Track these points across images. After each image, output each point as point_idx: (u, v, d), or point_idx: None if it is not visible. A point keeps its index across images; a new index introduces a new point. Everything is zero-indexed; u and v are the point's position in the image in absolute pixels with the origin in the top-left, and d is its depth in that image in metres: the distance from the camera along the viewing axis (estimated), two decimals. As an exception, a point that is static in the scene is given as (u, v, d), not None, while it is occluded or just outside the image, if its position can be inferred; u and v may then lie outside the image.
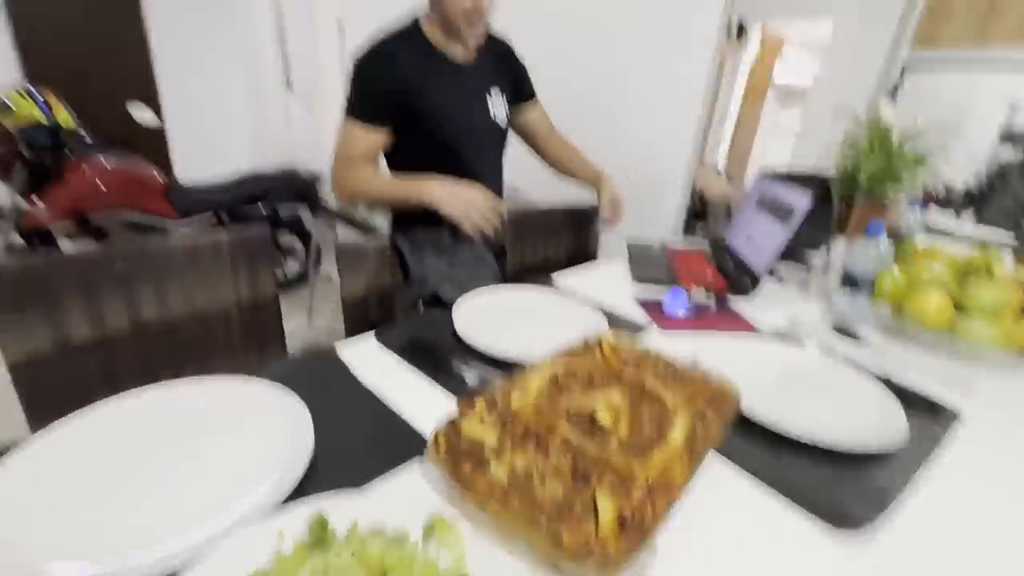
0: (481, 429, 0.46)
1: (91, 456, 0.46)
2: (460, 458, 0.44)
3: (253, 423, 0.51)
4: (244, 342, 1.00)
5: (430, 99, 1.03)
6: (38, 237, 2.37)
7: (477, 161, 1.13)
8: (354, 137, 1.03)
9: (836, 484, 0.52)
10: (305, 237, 2.84)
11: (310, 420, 0.51)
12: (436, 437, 0.46)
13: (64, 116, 2.27)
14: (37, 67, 3.14)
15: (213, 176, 2.60)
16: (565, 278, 1.06)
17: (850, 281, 0.88)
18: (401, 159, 1.11)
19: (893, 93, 1.84)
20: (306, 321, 2.66)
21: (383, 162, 1.13)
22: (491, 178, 1.18)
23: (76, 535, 0.38)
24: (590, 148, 1.67)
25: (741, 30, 1.40)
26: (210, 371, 0.65)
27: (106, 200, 2.27)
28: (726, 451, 0.56)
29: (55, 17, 3.16)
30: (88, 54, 3.30)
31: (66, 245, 2.47)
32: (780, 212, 1.02)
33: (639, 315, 0.90)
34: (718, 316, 0.91)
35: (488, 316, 0.81)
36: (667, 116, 1.47)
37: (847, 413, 0.63)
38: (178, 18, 3.60)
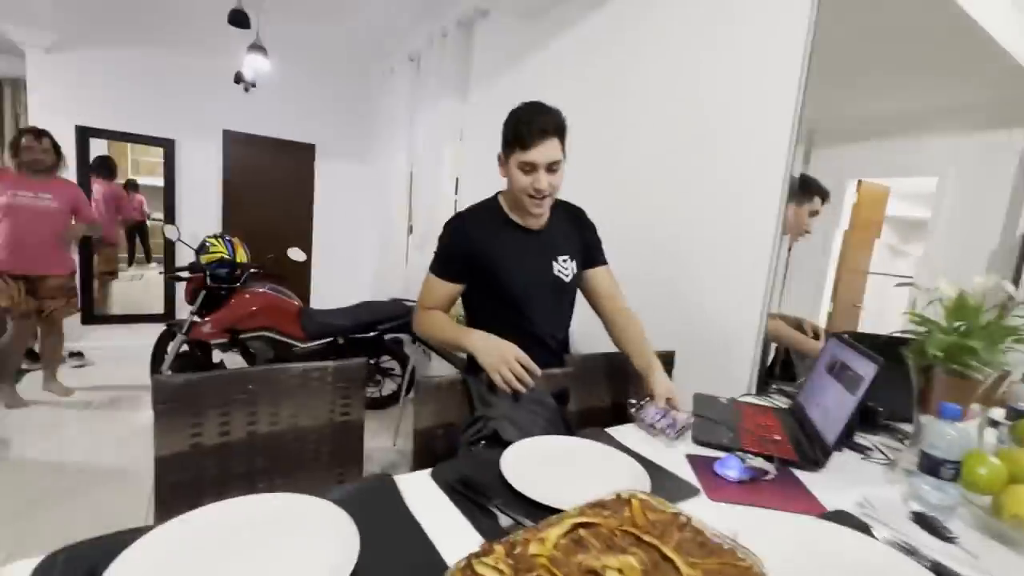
0: (493, 573, 0.52)
1: (193, 549, 0.58)
2: (469, 595, 0.49)
3: (310, 538, 0.61)
4: (329, 459, 1.14)
5: (498, 259, 1.22)
6: (198, 346, 2.91)
7: (539, 315, 1.27)
8: (432, 288, 1.25)
9: None
10: (404, 360, 3.13)
11: (357, 542, 0.60)
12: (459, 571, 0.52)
13: (241, 254, 2.91)
14: (231, 219, 4.13)
15: (336, 305, 3.07)
16: (625, 429, 1.09)
17: (929, 464, 0.81)
18: (475, 307, 1.31)
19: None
20: (391, 441, 2.81)
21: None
22: (554, 330, 1.32)
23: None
24: (660, 297, 1.76)
25: (805, 183, 1.48)
26: (297, 481, 0.76)
27: (255, 321, 2.77)
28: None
29: (252, 185, 4.21)
30: (269, 210, 4.29)
31: (217, 354, 2.98)
32: (849, 379, 0.99)
33: (690, 475, 0.89)
34: (779, 488, 0.87)
35: (535, 461, 0.86)
36: (738, 265, 1.53)
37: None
38: (337, 176, 4.58)
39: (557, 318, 1.34)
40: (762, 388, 1.44)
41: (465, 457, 1.04)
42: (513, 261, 1.24)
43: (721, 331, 1.57)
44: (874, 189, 3.58)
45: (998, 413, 1.17)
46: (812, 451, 0.99)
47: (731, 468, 0.88)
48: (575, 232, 1.36)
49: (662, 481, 0.85)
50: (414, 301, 3.29)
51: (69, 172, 3.65)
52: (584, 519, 0.63)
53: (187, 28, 3.68)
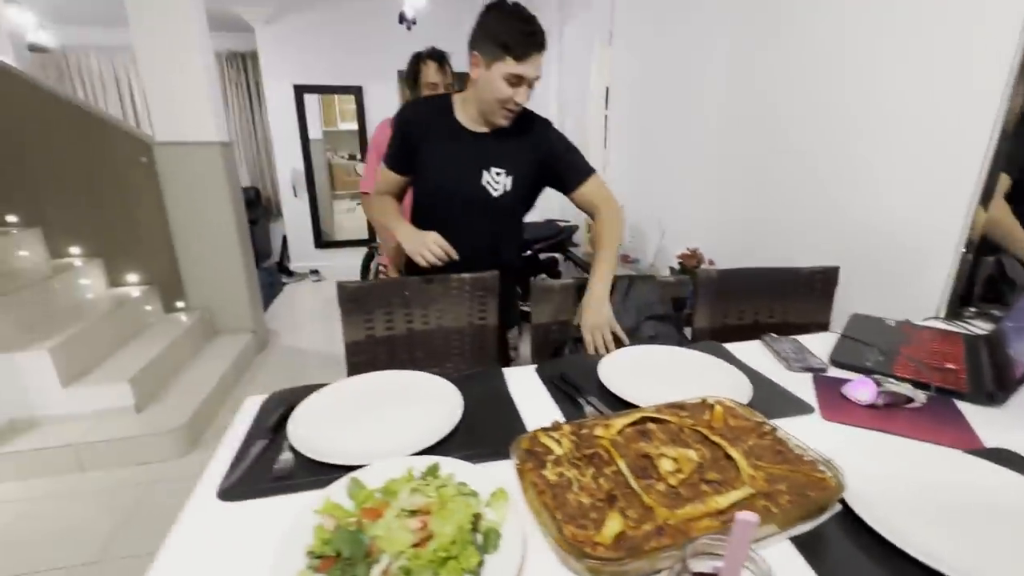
0: (552, 442, 0.60)
1: (349, 400, 0.80)
2: (527, 456, 0.59)
3: (430, 402, 0.78)
4: (470, 354, 1.34)
5: (427, 157, 1.22)
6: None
7: (457, 225, 1.21)
8: (384, 175, 1.30)
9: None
10: (556, 277, 3.29)
11: (461, 410, 0.74)
12: (520, 439, 0.62)
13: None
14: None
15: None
16: (747, 346, 1.04)
17: None
18: (413, 204, 1.33)
19: None
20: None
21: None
22: (475, 245, 1.23)
23: (337, 436, 0.70)
24: (814, 210, 1.52)
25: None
26: (444, 369, 0.96)
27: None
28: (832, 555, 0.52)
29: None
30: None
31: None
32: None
33: (807, 394, 0.83)
34: (924, 418, 0.75)
35: (636, 366, 0.90)
36: (929, 157, 1.20)
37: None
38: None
39: (480, 234, 1.26)
40: (955, 311, 1.16)
41: (571, 358, 1.12)
42: (438, 160, 1.21)
43: (900, 243, 1.28)
44: None
45: None
46: (993, 384, 0.81)
47: (861, 391, 0.79)
48: (526, 146, 1.22)
49: (769, 395, 0.81)
50: (566, 221, 3.36)
51: (292, 125, 4.52)
52: (657, 415, 0.67)
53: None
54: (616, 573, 0.45)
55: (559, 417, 0.77)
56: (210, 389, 2.36)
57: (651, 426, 0.65)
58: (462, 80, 2.08)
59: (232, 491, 0.60)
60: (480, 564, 0.47)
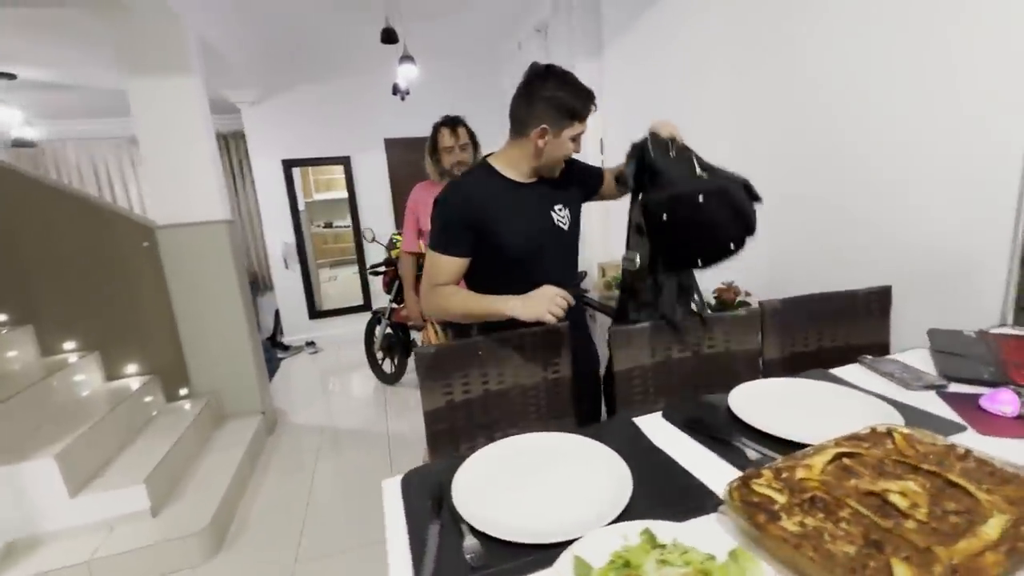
0: (769, 490, 0.57)
1: (508, 468, 0.74)
2: (754, 509, 0.55)
3: (589, 469, 0.73)
4: (547, 410, 1.29)
5: (500, 218, 1.19)
6: (400, 328, 3.40)
7: (546, 264, 1.25)
8: (440, 266, 1.20)
9: None
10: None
11: (625, 466, 0.70)
12: (731, 491, 0.58)
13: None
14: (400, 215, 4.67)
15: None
16: (850, 369, 1.04)
17: None
18: (478, 275, 1.25)
19: None
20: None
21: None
22: (562, 280, 1.22)
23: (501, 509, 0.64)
24: (864, 236, 1.58)
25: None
26: (524, 430, 0.91)
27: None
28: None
29: (415, 180, 4.70)
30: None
31: (414, 334, 3.46)
32: None
33: (946, 413, 0.82)
34: (1073, 422, 0.76)
35: (764, 401, 0.88)
36: (978, 171, 1.28)
37: None
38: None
39: (563, 268, 1.33)
40: (1021, 317, 1.21)
41: (687, 400, 1.09)
42: (514, 215, 1.21)
43: (952, 258, 1.34)
44: None
45: None
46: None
47: (1005, 403, 0.79)
48: (565, 180, 1.30)
49: (915, 418, 0.80)
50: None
51: (281, 199, 4.51)
52: (845, 449, 0.64)
53: (348, 57, 4.18)
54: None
55: (722, 464, 0.73)
56: (228, 481, 2.18)
57: (847, 461, 0.63)
58: (472, 139, 2.22)
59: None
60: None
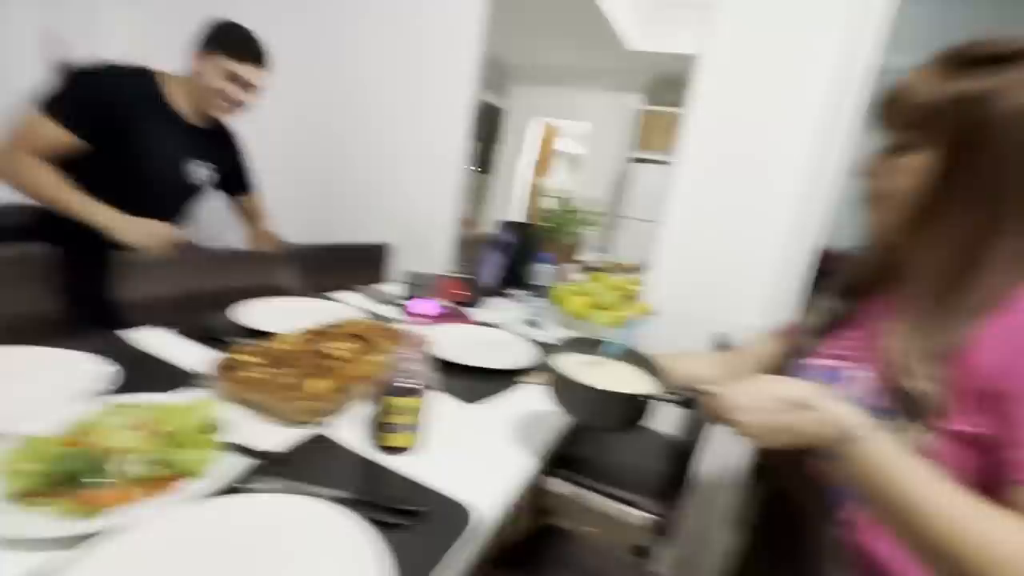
0: (249, 357, 0.73)
1: None
2: (228, 370, 0.69)
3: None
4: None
5: (139, 133, 1.13)
6: None
7: (162, 208, 1.25)
8: (36, 129, 1.04)
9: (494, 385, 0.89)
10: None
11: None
12: (219, 364, 0.70)
13: None
14: None
15: None
16: (346, 295, 1.36)
17: (535, 289, 1.36)
18: (90, 184, 1.10)
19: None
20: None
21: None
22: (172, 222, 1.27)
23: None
24: (365, 186, 2.02)
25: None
26: None
27: None
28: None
29: None
30: None
31: None
32: (501, 247, 1.49)
33: (398, 315, 1.24)
34: (453, 315, 1.31)
35: (272, 314, 1.05)
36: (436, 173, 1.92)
37: (515, 358, 1.03)
38: None
39: (175, 220, 1.32)
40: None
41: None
42: (154, 142, 1.17)
43: (425, 221, 1.95)
44: (551, 127, 4.61)
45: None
46: (474, 295, 1.47)
47: (426, 308, 1.26)
48: (226, 149, 1.40)
49: (379, 317, 1.16)
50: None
51: None
52: (316, 329, 0.89)
53: None
54: (328, 408, 0.67)
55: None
56: None
57: (316, 337, 0.87)
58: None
59: None
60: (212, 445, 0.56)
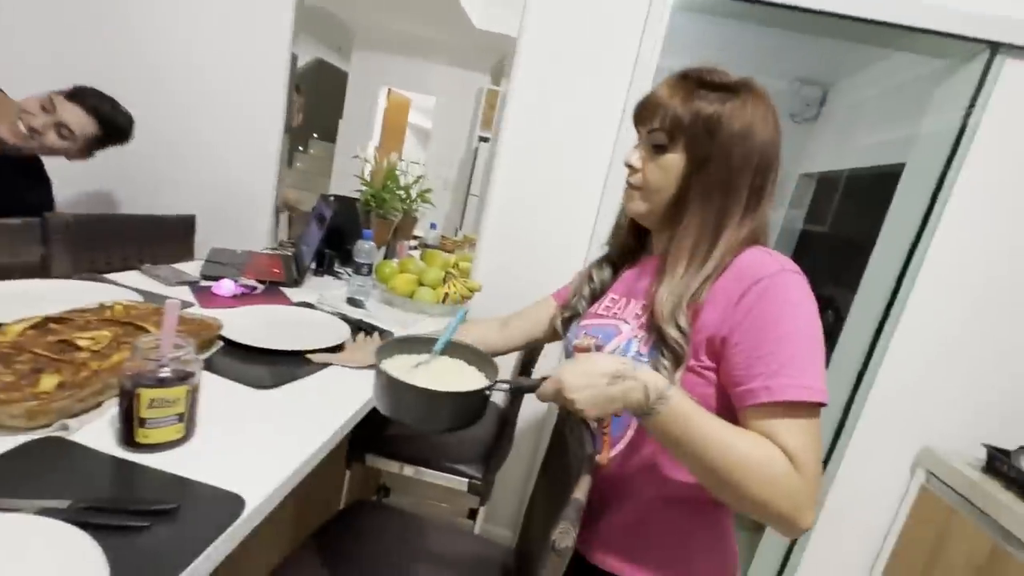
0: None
1: None
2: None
3: None
4: None
5: None
6: None
7: None
8: None
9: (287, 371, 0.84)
10: None
11: None
12: None
13: None
14: None
15: None
16: (128, 275, 1.16)
17: (357, 267, 1.30)
18: None
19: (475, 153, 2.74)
20: None
21: None
22: None
23: None
24: (181, 161, 1.76)
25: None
26: None
27: None
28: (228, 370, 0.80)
29: None
30: None
31: None
32: (320, 221, 1.40)
33: (188, 297, 1.09)
34: (265, 296, 1.20)
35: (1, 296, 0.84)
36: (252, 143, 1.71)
37: (324, 337, 0.98)
38: None
39: None
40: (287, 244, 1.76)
41: None
42: None
43: (241, 196, 1.73)
44: (400, 98, 4.42)
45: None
46: (295, 274, 1.37)
47: (225, 290, 1.13)
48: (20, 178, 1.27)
49: (158, 300, 1.01)
50: None
51: None
52: (54, 315, 0.74)
53: None
54: (64, 407, 0.56)
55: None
56: None
57: (53, 325, 0.72)
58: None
59: None
60: None
